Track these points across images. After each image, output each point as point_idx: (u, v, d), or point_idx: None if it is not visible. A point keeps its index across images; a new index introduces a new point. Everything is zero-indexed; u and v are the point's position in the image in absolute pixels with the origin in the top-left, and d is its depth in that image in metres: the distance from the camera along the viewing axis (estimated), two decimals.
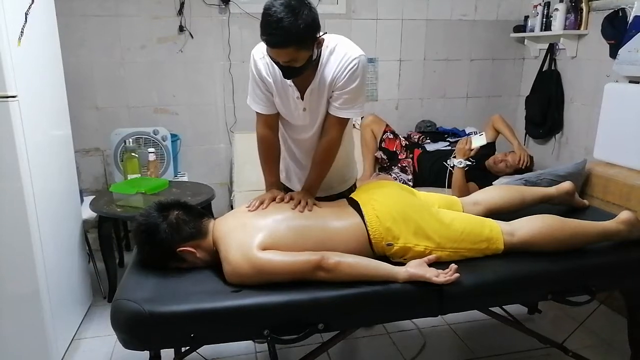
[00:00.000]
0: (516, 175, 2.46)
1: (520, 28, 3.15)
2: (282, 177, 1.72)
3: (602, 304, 1.86)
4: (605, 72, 2.61)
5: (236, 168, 2.79)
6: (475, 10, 3.15)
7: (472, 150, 2.53)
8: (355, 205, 1.45)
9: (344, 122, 1.48)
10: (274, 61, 1.34)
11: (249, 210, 1.40)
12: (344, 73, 1.38)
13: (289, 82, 1.41)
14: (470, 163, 2.58)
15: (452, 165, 2.62)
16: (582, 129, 2.83)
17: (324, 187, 1.58)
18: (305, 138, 1.55)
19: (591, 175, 2.30)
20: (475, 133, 2.83)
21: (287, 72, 1.34)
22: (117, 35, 2.72)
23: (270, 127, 1.54)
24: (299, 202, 1.41)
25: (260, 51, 1.44)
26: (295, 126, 1.54)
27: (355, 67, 1.38)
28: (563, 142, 3.01)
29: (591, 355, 1.66)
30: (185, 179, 2.75)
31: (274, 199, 1.45)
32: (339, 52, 1.39)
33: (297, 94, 1.44)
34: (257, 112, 1.53)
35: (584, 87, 2.80)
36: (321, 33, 1.31)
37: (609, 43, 2.54)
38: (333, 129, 1.47)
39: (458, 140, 2.74)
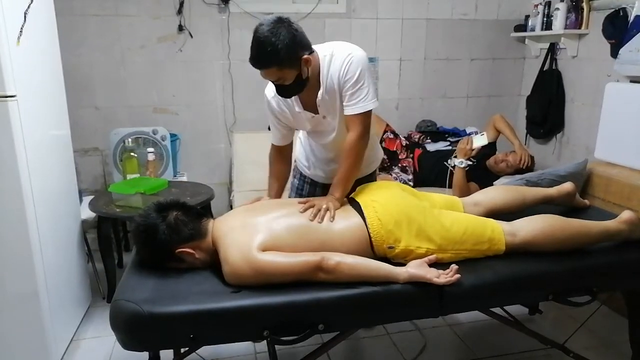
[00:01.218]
0: (517, 175, 2.46)
1: (521, 27, 3.14)
2: (306, 170, 1.79)
3: (603, 304, 1.85)
4: (606, 72, 2.60)
5: (236, 168, 2.79)
6: (475, 10, 3.14)
7: (473, 150, 2.52)
8: (357, 206, 1.44)
9: (358, 118, 1.47)
10: (271, 81, 1.43)
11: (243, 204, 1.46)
12: (342, 71, 1.44)
13: (297, 108, 1.52)
14: (471, 163, 2.57)
15: (452, 165, 2.61)
16: (583, 128, 2.83)
17: None
18: (329, 140, 1.61)
19: (592, 175, 2.29)
20: (476, 133, 2.82)
21: (280, 90, 1.45)
22: (116, 35, 2.72)
23: (281, 153, 1.69)
24: (318, 211, 1.38)
25: (270, 90, 1.55)
26: (319, 133, 1.62)
27: (350, 62, 1.43)
28: (564, 142, 3.00)
29: (592, 356, 1.66)
30: (184, 179, 2.74)
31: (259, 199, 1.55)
32: (336, 56, 1.45)
33: (310, 114, 1.53)
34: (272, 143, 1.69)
35: (585, 87, 2.80)
36: (307, 52, 1.39)
37: (609, 43, 2.54)
38: (351, 128, 1.49)
39: (459, 140, 2.73)
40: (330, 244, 1.31)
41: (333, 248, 1.30)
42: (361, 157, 1.52)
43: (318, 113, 1.53)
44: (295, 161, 1.85)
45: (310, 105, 1.52)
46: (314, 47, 1.46)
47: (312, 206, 1.40)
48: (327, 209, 1.39)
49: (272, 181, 1.68)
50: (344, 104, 1.48)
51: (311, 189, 1.79)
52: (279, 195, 1.67)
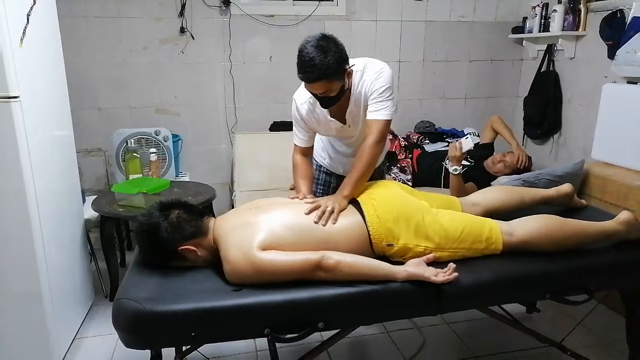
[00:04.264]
0: (514, 176, 2.46)
1: (519, 29, 3.16)
2: (322, 161, 1.90)
3: (600, 303, 1.86)
4: (603, 73, 2.62)
5: (237, 168, 2.80)
6: (474, 12, 3.17)
7: (463, 154, 2.46)
8: (356, 204, 1.46)
9: (377, 124, 1.55)
10: (312, 94, 1.53)
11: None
12: (372, 83, 1.55)
13: (329, 117, 1.62)
14: (468, 164, 2.58)
15: (452, 168, 2.60)
16: (580, 129, 2.84)
17: None
18: (350, 141, 1.74)
19: (589, 176, 2.30)
20: (468, 136, 2.84)
21: (324, 102, 1.53)
22: (118, 37, 2.73)
23: (304, 154, 1.75)
24: (323, 213, 1.39)
25: (301, 96, 1.65)
26: (340, 137, 1.73)
27: (380, 76, 1.55)
28: (561, 143, 3.02)
29: (589, 354, 1.67)
30: (186, 179, 2.76)
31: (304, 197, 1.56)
32: (368, 72, 1.57)
33: (339, 124, 1.64)
34: (295, 144, 1.75)
35: (582, 88, 2.81)
36: (350, 65, 1.50)
37: (607, 44, 2.56)
38: (369, 132, 1.56)
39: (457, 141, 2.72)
40: (331, 242, 1.33)
41: (333, 246, 1.31)
42: (374, 162, 1.58)
43: (346, 122, 1.63)
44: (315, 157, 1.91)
45: (339, 115, 1.62)
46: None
47: (318, 207, 1.42)
48: (332, 211, 1.41)
49: (302, 181, 1.69)
50: (368, 110, 1.57)
51: (327, 177, 1.89)
52: (310, 192, 1.67)
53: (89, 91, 2.76)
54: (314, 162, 1.91)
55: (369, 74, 1.55)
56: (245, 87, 2.95)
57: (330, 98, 1.50)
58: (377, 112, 1.55)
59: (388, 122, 1.57)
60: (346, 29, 3.00)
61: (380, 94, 1.54)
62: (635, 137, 2.21)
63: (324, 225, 1.37)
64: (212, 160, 3.04)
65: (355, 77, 1.56)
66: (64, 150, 1.97)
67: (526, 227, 1.45)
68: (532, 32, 3.02)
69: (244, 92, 2.96)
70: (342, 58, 1.44)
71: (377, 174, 1.81)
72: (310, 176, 1.73)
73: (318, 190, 1.91)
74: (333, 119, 1.62)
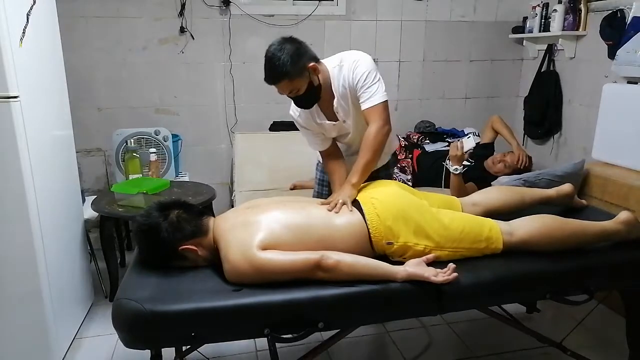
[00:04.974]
0: (515, 176, 2.46)
1: (519, 29, 3.16)
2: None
3: (600, 303, 1.86)
4: (603, 73, 2.62)
5: (237, 168, 2.80)
6: (474, 11, 3.16)
7: (465, 153, 2.46)
8: (356, 204, 1.46)
9: (375, 110, 1.55)
10: (287, 96, 1.54)
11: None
12: (351, 74, 1.55)
13: (320, 120, 1.64)
14: (468, 164, 2.57)
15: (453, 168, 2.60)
16: (581, 129, 2.84)
17: None
18: (348, 140, 1.74)
19: (589, 176, 2.31)
20: (469, 135, 2.83)
21: (298, 102, 1.54)
22: (118, 36, 2.74)
23: (332, 154, 1.74)
24: (335, 205, 1.44)
25: (294, 110, 1.69)
26: (340, 136, 1.74)
27: (356, 66, 1.55)
28: (562, 143, 3.02)
29: (589, 354, 1.67)
30: (186, 179, 2.76)
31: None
32: (344, 65, 1.56)
33: (332, 123, 1.65)
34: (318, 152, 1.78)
35: (583, 88, 2.81)
36: (313, 61, 1.49)
37: (607, 44, 2.56)
38: (371, 121, 1.56)
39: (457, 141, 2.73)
40: (331, 241, 1.33)
41: (333, 245, 1.31)
42: (380, 148, 1.58)
43: (338, 120, 1.64)
44: (318, 157, 1.93)
45: (331, 115, 1.64)
46: (324, 60, 1.57)
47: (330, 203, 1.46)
48: (344, 203, 1.44)
49: (334, 178, 1.69)
50: (360, 102, 1.56)
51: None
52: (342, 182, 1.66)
53: (89, 91, 2.76)
54: (318, 164, 1.93)
55: (346, 67, 1.55)
56: (245, 87, 2.95)
57: (302, 97, 1.52)
58: (370, 100, 1.54)
59: (384, 103, 1.56)
60: (346, 29, 3.00)
61: (365, 81, 1.53)
62: (636, 137, 2.21)
63: (337, 212, 1.40)
64: (212, 160, 3.04)
65: (334, 74, 1.57)
66: (63, 150, 1.97)
67: (526, 227, 1.45)
68: (532, 32, 3.02)
69: (244, 92, 2.96)
70: (298, 55, 1.44)
71: (385, 177, 1.79)
72: (342, 168, 1.70)
73: (324, 192, 1.91)
74: (326, 121, 1.64)
